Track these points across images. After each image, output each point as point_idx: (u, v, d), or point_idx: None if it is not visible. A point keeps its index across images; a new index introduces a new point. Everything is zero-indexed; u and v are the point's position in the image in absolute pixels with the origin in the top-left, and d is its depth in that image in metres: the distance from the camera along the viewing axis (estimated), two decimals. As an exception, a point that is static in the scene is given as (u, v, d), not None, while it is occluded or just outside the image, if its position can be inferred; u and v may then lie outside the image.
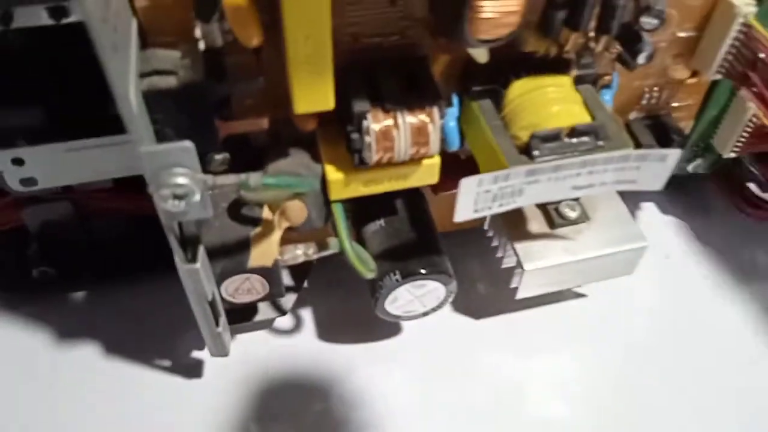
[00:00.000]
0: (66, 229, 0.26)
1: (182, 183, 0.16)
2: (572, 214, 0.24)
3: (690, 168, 0.28)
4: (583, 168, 0.19)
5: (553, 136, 0.19)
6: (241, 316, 0.25)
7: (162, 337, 0.26)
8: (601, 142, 0.20)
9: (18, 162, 0.23)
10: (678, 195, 0.30)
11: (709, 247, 0.29)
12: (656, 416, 0.24)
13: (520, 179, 0.19)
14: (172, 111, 0.17)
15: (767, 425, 0.24)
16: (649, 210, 0.30)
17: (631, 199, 0.29)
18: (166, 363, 0.25)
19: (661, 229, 0.30)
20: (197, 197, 0.16)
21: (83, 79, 0.22)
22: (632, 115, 0.25)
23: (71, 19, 0.20)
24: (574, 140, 0.19)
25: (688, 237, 0.30)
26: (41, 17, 0.20)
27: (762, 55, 0.21)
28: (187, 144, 0.15)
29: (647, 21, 0.19)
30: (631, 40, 0.20)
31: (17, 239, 0.27)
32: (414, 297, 0.23)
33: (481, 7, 0.16)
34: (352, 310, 0.26)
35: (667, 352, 0.26)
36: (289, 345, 0.26)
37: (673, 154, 0.20)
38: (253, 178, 0.17)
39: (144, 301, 0.26)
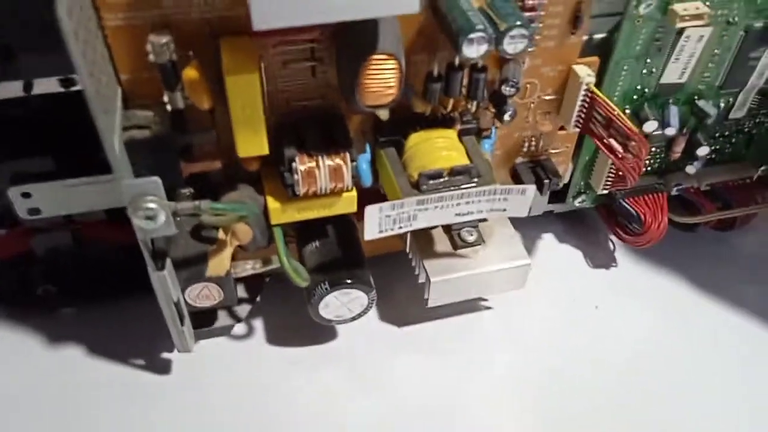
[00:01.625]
0: (66, 254, 0.32)
1: (152, 207, 0.22)
2: (470, 238, 0.30)
3: (576, 203, 0.34)
4: (461, 198, 0.26)
5: (437, 175, 0.25)
6: (204, 321, 0.31)
7: (140, 343, 0.31)
8: (475, 180, 0.26)
9: (26, 195, 0.29)
10: (572, 225, 0.37)
11: (598, 268, 0.35)
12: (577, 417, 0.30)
13: (412, 207, 0.25)
14: (147, 155, 0.23)
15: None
16: (548, 238, 0.36)
17: (534, 229, 0.36)
18: (141, 362, 0.31)
19: (558, 253, 0.36)
20: (163, 218, 0.22)
21: (81, 132, 0.29)
22: (518, 160, 0.31)
23: (78, 87, 0.26)
24: (454, 178, 0.26)
25: (579, 260, 0.36)
26: (56, 86, 0.26)
27: (601, 113, 0.27)
28: (156, 178, 0.22)
29: (506, 89, 0.26)
30: (498, 102, 0.26)
31: (22, 263, 0.32)
32: (342, 303, 0.29)
33: (366, 84, 0.22)
34: (296, 320, 0.31)
35: (561, 355, 0.32)
36: (244, 348, 0.31)
37: (531, 189, 0.26)
38: (204, 203, 0.23)
39: (127, 314, 0.31)
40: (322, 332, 0.32)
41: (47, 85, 0.27)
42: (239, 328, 0.32)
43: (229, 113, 0.23)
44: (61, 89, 0.27)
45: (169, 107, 0.23)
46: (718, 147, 0.33)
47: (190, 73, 0.22)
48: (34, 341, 0.31)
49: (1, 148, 0.28)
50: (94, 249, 0.32)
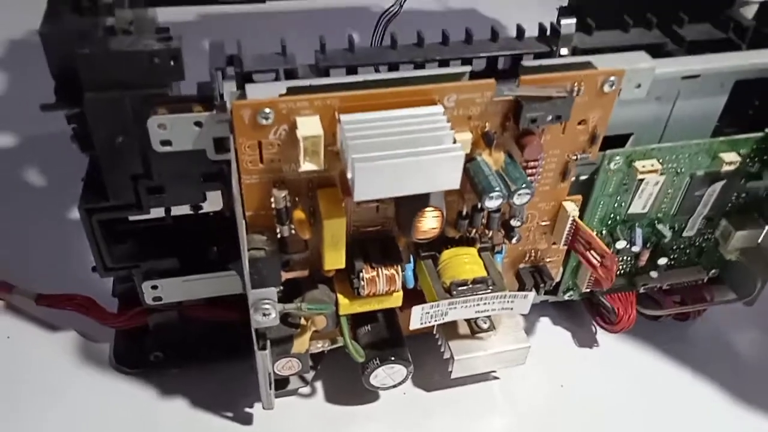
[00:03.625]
0: (173, 328, 0.41)
1: (268, 308, 0.31)
2: (484, 326, 0.39)
3: (565, 297, 0.43)
4: (480, 301, 0.35)
5: (463, 283, 0.35)
6: (280, 385, 0.40)
7: (229, 398, 0.40)
8: (490, 287, 0.35)
9: (154, 287, 0.38)
10: (564, 312, 0.46)
11: (583, 347, 0.45)
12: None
13: (444, 307, 0.35)
14: (261, 268, 0.33)
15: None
16: (545, 321, 0.46)
17: (534, 314, 0.45)
18: (230, 414, 0.40)
19: (552, 334, 0.45)
20: (274, 315, 0.32)
21: (198, 242, 0.38)
22: (521, 266, 0.41)
23: (203, 210, 0.36)
24: (475, 285, 0.35)
25: (568, 340, 0.45)
26: (187, 209, 0.36)
27: (583, 236, 0.37)
28: (273, 289, 0.31)
29: (514, 222, 0.36)
30: (508, 230, 0.36)
31: (139, 335, 0.42)
32: (387, 374, 0.38)
33: (419, 227, 0.32)
34: (347, 384, 0.41)
35: (552, 416, 0.41)
36: (308, 405, 0.40)
37: (531, 294, 0.36)
38: (304, 305, 0.32)
39: (219, 375, 0.41)
40: (367, 394, 0.41)
41: (181, 210, 0.37)
42: (305, 390, 0.41)
43: (318, 239, 0.33)
44: (191, 212, 0.37)
45: (279, 235, 0.33)
46: (675, 256, 0.43)
47: (299, 214, 0.32)
48: (146, 395, 0.40)
49: (141, 253, 0.37)
50: (194, 324, 0.41)
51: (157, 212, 0.37)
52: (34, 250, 0.49)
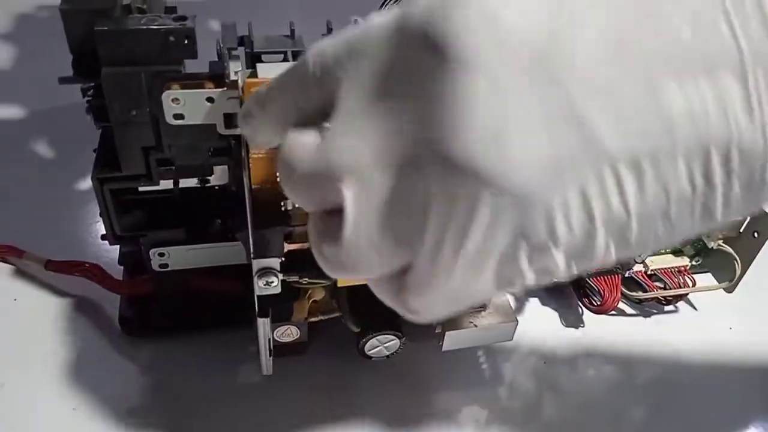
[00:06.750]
0: (177, 295, 0.43)
1: (271, 277, 0.33)
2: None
3: (554, 278, 0.45)
4: (472, 277, 0.37)
5: (456, 260, 0.37)
6: (279, 351, 0.42)
7: (229, 363, 0.42)
8: (482, 264, 0.37)
9: (161, 255, 0.40)
10: (552, 293, 0.48)
11: (569, 327, 0.47)
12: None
13: (438, 282, 0.37)
14: (265, 240, 0.34)
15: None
16: (534, 301, 0.48)
17: (524, 295, 0.47)
18: (230, 378, 0.42)
19: (539, 314, 0.47)
20: (276, 283, 0.34)
21: (204, 213, 0.40)
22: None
23: (210, 183, 0.38)
24: (468, 263, 0.37)
25: (555, 320, 0.47)
26: (194, 182, 0.38)
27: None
28: (276, 259, 0.33)
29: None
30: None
31: (144, 302, 0.44)
32: (381, 345, 0.40)
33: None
34: (341, 352, 0.43)
35: (537, 390, 0.43)
36: (304, 371, 0.42)
37: (520, 273, 0.37)
38: (304, 278, 0.34)
39: (221, 341, 0.43)
40: (361, 363, 0.43)
41: (188, 182, 0.38)
42: (302, 357, 0.43)
43: (320, 213, 0.35)
44: (198, 185, 0.39)
45: (283, 208, 0.35)
46: (660, 243, 0.45)
47: (302, 190, 0.34)
48: (149, 359, 0.42)
49: (150, 223, 0.39)
50: (197, 292, 0.43)
51: (165, 184, 0.38)
52: (44, 217, 0.50)
